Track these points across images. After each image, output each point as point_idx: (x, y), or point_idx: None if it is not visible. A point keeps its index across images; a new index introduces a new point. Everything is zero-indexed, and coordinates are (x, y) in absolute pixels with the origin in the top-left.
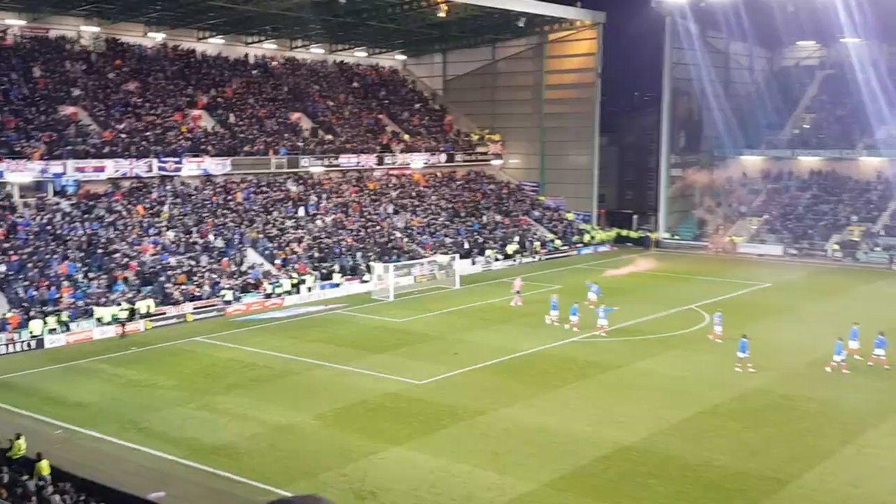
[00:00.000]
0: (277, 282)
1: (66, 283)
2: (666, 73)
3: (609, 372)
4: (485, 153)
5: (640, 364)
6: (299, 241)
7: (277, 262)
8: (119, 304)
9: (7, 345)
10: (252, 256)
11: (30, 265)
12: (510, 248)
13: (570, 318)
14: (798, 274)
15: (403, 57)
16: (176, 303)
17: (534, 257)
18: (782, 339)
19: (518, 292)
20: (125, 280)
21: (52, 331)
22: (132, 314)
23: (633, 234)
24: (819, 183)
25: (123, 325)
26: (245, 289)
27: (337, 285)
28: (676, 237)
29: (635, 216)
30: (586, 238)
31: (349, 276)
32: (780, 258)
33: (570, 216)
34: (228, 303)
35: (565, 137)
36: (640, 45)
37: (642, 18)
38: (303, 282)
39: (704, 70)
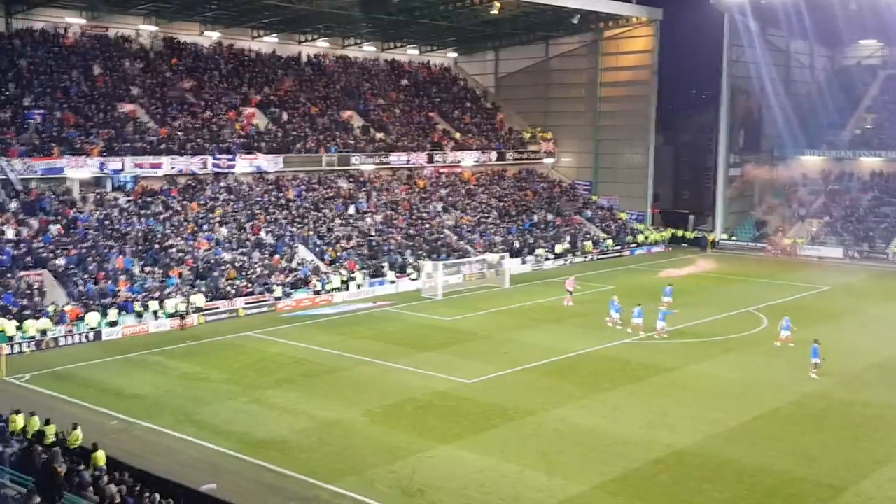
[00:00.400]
0: (327, 278)
1: (122, 277)
2: (724, 70)
3: (663, 374)
4: (536, 151)
5: (696, 367)
6: (349, 238)
7: (327, 258)
8: (174, 298)
9: (66, 336)
10: (302, 253)
11: (89, 259)
12: (560, 248)
13: (632, 321)
14: (859, 277)
15: (455, 54)
16: (228, 298)
17: (585, 257)
18: (842, 343)
19: (570, 291)
20: (179, 275)
21: (110, 324)
22: (186, 309)
23: (688, 235)
24: (881, 184)
25: (183, 318)
26: (295, 285)
27: (393, 282)
28: (734, 238)
29: (691, 216)
30: (640, 238)
31: (399, 274)
32: (840, 261)
33: (624, 216)
34: (279, 298)
35: (619, 136)
36: (698, 42)
37: (700, 15)
38: (352, 279)
39: (764, 68)
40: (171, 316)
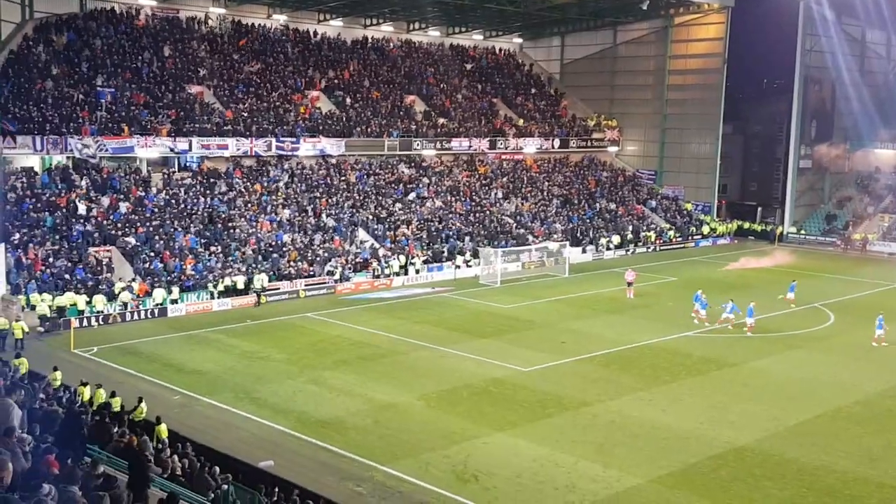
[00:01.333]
0: (387, 263)
1: (189, 256)
2: (798, 59)
3: (725, 369)
4: (601, 139)
5: (759, 363)
6: (409, 223)
7: (387, 243)
8: (239, 276)
9: (132, 312)
10: (363, 237)
11: (156, 237)
12: (620, 238)
13: (746, 321)
14: None
15: (520, 40)
16: (290, 278)
17: (648, 248)
18: None
19: (630, 283)
20: (243, 255)
21: (174, 301)
22: (248, 288)
23: (756, 227)
24: None
25: (259, 295)
26: (355, 268)
27: (458, 267)
28: (803, 232)
29: (759, 208)
30: (705, 230)
31: (464, 261)
32: None
33: (689, 206)
34: (339, 281)
35: (687, 125)
36: (771, 30)
37: (774, 3)
38: (412, 263)
39: (839, 58)
40: (244, 292)
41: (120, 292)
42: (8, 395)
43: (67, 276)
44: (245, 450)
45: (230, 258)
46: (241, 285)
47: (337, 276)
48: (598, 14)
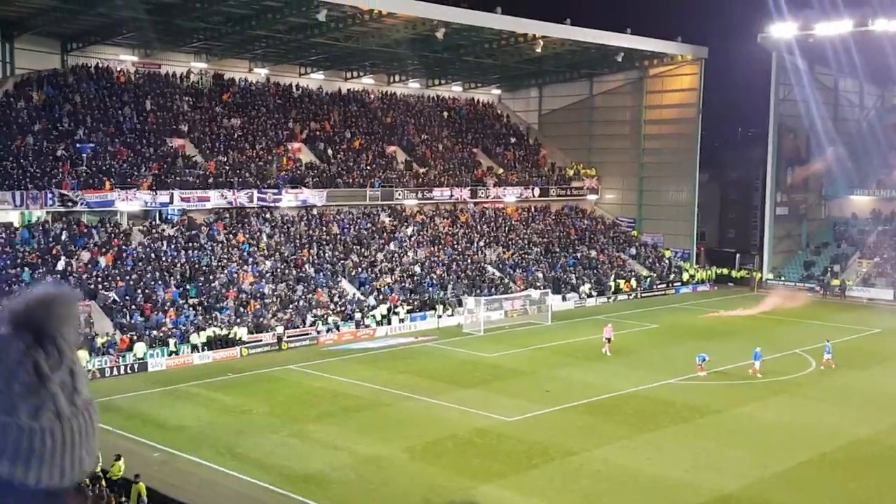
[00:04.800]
0: (369, 313)
1: (171, 309)
2: (772, 109)
3: (708, 416)
4: (580, 188)
5: (742, 409)
6: (391, 272)
7: (369, 292)
8: (220, 329)
9: (112, 367)
10: (345, 287)
11: (137, 291)
12: (601, 286)
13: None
14: None
15: (499, 91)
16: (271, 330)
17: (629, 295)
18: (891, 387)
19: (608, 339)
20: (222, 309)
21: (153, 355)
22: (230, 340)
23: (735, 274)
24: None
25: (280, 339)
26: (337, 319)
27: (439, 316)
28: (782, 278)
29: (738, 255)
30: (685, 276)
31: (444, 312)
32: (890, 302)
33: (668, 253)
34: (321, 332)
35: (664, 173)
36: (745, 80)
37: (746, 53)
38: (395, 313)
39: (813, 106)
40: (226, 345)
41: (103, 346)
42: None
43: None
44: None
45: (215, 311)
46: (230, 335)
47: (329, 326)
48: (574, 66)
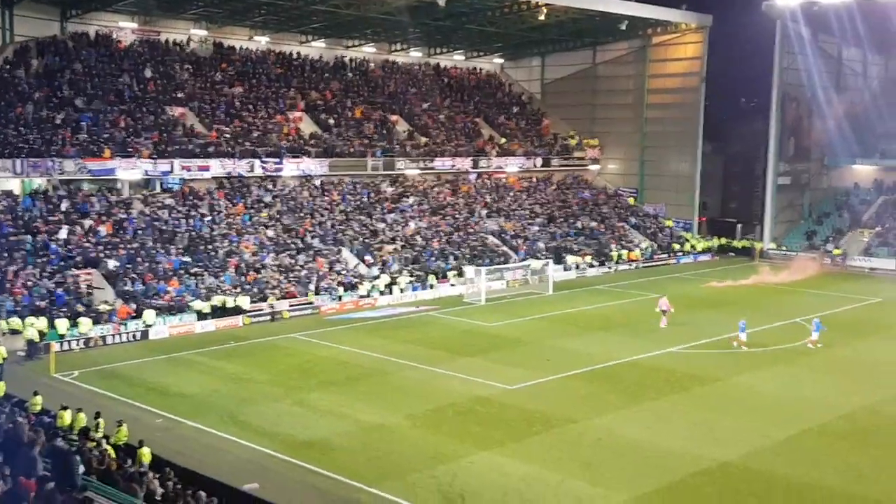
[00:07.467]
0: (371, 282)
1: (172, 277)
2: (775, 78)
3: (709, 385)
4: (582, 158)
5: (742, 378)
6: (393, 242)
7: (369, 259)
8: (224, 297)
9: (114, 335)
10: (346, 256)
11: (138, 259)
12: (602, 256)
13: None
14: None
15: (501, 60)
16: (272, 299)
17: (630, 265)
18: (892, 357)
19: (664, 311)
20: (236, 268)
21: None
22: (230, 308)
23: (736, 244)
24: None
25: (273, 311)
26: (339, 288)
27: (432, 286)
28: (783, 248)
29: (739, 225)
30: (686, 246)
31: (441, 279)
32: (892, 272)
33: (670, 223)
34: (323, 301)
35: (667, 143)
36: (748, 49)
37: (751, 22)
38: (395, 283)
39: (816, 75)
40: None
41: (105, 314)
42: None
43: (48, 300)
44: (230, 473)
45: (220, 279)
46: (230, 304)
47: (333, 296)
48: (577, 34)
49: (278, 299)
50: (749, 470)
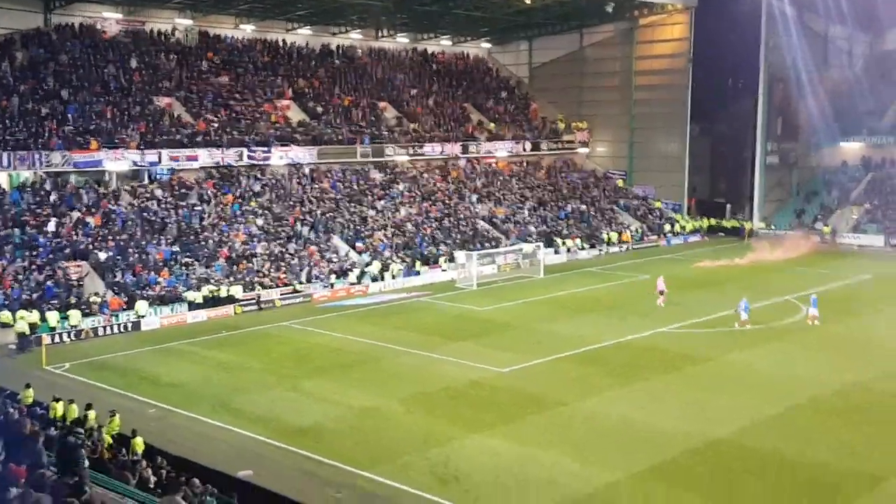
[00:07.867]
0: (362, 269)
1: (163, 268)
2: (762, 58)
3: (700, 364)
4: (571, 141)
5: (733, 356)
6: (384, 228)
7: (360, 246)
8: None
9: (105, 327)
10: (337, 243)
11: (129, 251)
12: (593, 238)
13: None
14: None
15: (488, 45)
16: (264, 288)
17: (621, 247)
18: (883, 334)
19: (661, 292)
20: (227, 258)
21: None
22: (223, 298)
23: (726, 224)
24: None
25: (259, 299)
26: (330, 276)
27: (418, 273)
28: (773, 227)
29: (728, 205)
30: (676, 228)
31: (432, 265)
32: (881, 249)
33: (659, 205)
34: (315, 289)
35: (655, 125)
36: (735, 29)
37: (736, 2)
38: (387, 269)
39: (802, 55)
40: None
41: (97, 305)
42: None
43: (38, 293)
44: (224, 461)
45: (211, 269)
46: (223, 294)
47: (329, 282)
48: (564, 17)
49: (269, 288)
50: (742, 447)
